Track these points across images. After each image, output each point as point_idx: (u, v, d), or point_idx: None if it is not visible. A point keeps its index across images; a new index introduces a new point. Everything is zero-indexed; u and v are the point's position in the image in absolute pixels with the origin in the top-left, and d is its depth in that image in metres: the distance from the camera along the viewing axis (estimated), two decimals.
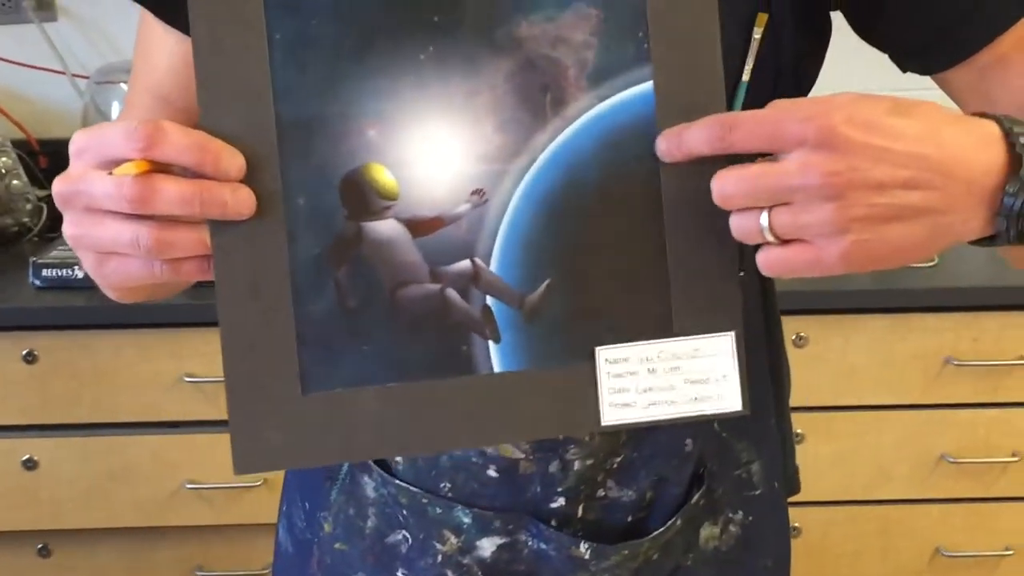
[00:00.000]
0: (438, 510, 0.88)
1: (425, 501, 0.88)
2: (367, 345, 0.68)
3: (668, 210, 0.68)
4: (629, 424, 0.69)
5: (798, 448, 1.06)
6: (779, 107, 0.63)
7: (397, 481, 0.88)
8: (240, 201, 0.65)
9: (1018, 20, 0.79)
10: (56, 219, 1.94)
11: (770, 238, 0.63)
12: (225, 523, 1.82)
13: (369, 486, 0.91)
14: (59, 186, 0.66)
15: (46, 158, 2.09)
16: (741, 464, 0.92)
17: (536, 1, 0.67)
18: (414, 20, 0.67)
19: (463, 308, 0.69)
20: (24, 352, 1.72)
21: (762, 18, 0.79)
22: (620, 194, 0.68)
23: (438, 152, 0.68)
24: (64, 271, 1.71)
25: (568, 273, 0.69)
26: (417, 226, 0.68)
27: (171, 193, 0.63)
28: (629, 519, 0.88)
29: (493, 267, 0.69)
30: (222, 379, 0.67)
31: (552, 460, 0.86)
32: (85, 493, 1.78)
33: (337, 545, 0.93)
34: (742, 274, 0.69)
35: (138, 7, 0.86)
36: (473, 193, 0.68)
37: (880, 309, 1.77)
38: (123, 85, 2.02)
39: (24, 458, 1.76)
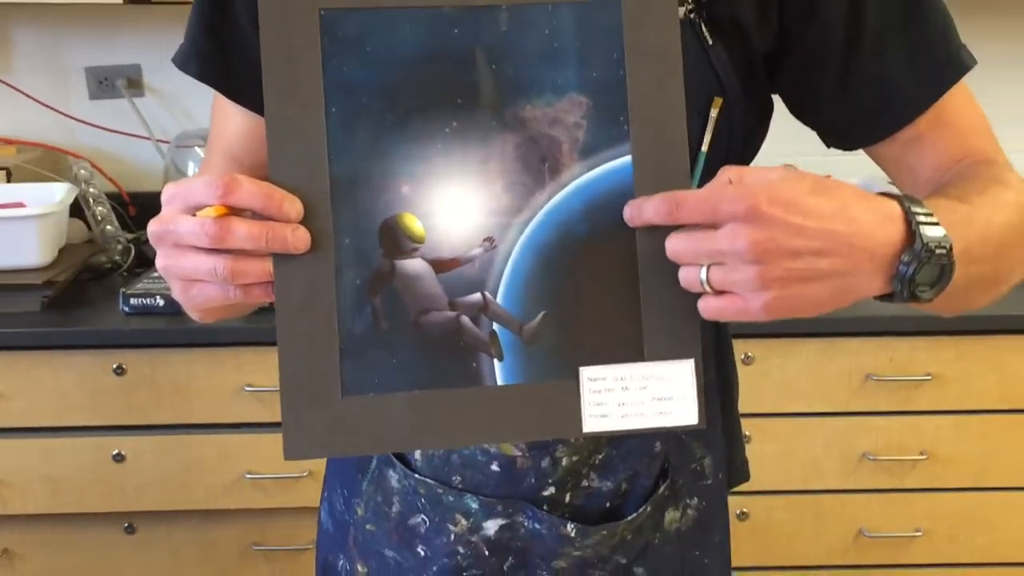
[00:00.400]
0: (451, 498, 0.88)
1: (440, 491, 0.88)
2: (396, 359, 0.69)
3: (641, 259, 0.68)
4: (606, 432, 0.69)
5: (747, 447, 1.06)
6: (719, 182, 0.64)
7: (416, 475, 0.88)
8: (298, 238, 0.66)
9: (930, 106, 0.79)
10: (142, 257, 1.94)
11: (708, 289, 0.64)
12: (277, 507, 1.80)
13: (393, 478, 0.90)
14: (153, 227, 0.67)
15: (134, 208, 2.09)
16: (696, 459, 0.92)
17: (537, 90, 0.68)
18: (441, 101, 0.68)
19: (474, 332, 0.69)
20: (114, 366, 1.72)
21: (717, 101, 0.80)
22: (602, 245, 0.69)
23: (458, 206, 0.68)
24: (148, 300, 1.70)
25: (560, 307, 0.69)
26: (439, 265, 0.69)
27: (243, 231, 0.64)
28: (608, 505, 0.88)
29: (499, 300, 0.69)
30: (276, 388, 0.67)
31: (544, 457, 0.86)
32: (163, 481, 1.77)
33: (368, 526, 0.93)
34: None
35: (211, 88, 0.88)
36: (485, 240, 0.69)
37: (813, 334, 1.77)
38: (197, 149, 2.02)
39: (114, 452, 1.75)
